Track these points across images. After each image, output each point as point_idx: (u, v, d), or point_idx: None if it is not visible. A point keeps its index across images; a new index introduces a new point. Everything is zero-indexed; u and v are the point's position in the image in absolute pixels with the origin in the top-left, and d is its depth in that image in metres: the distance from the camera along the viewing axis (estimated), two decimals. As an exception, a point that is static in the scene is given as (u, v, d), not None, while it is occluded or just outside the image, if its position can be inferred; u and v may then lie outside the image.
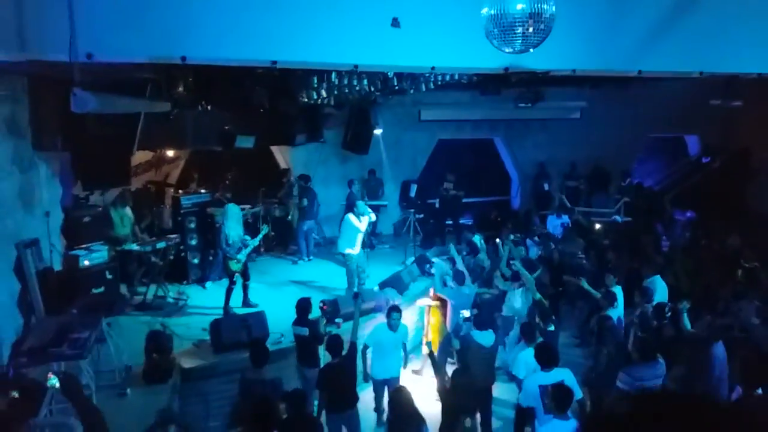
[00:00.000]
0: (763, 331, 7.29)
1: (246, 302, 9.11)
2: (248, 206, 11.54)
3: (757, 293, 8.41)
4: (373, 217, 10.27)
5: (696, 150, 17.54)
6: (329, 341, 6.55)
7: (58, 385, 4.51)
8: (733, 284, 9.14)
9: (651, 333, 7.22)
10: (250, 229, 10.27)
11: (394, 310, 7.30)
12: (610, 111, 14.81)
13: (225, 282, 9.17)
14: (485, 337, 6.98)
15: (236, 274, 8.91)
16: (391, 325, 7.20)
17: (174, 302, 9.38)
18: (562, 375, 5.72)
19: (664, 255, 10.55)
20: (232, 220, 8.92)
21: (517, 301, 8.37)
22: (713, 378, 6.49)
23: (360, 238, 9.94)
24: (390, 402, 5.84)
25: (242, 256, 8.89)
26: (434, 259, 10.82)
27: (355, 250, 9.86)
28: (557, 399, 5.12)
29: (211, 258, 10.46)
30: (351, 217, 9.83)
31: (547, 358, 5.85)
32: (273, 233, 12.39)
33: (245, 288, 9.16)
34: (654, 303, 7.74)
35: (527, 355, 6.37)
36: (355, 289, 9.64)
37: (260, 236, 9.55)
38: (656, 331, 7.26)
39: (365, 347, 7.21)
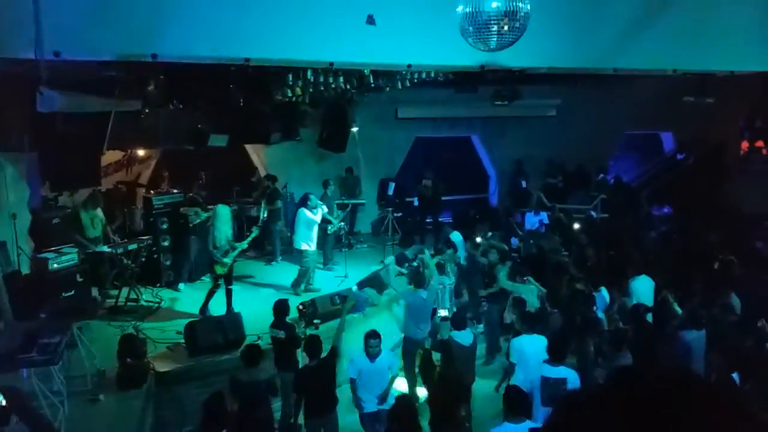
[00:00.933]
0: (737, 323, 7.41)
1: (230, 310, 8.77)
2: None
3: (732, 286, 8.54)
4: (326, 209, 10.39)
5: (671, 146, 17.75)
6: (307, 342, 6.44)
7: (2, 401, 4.35)
8: (709, 277, 9.26)
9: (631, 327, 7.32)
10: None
11: (370, 337, 6.37)
12: (585, 108, 14.91)
13: (198, 284, 9.02)
14: (464, 337, 7.01)
15: (221, 277, 8.71)
16: (369, 353, 6.33)
17: (147, 305, 9.19)
18: (568, 374, 5.76)
19: (642, 250, 10.62)
20: (221, 222, 8.69)
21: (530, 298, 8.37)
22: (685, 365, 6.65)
23: (316, 232, 10.01)
24: (392, 412, 5.33)
25: (229, 260, 8.70)
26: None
27: (311, 246, 9.92)
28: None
29: (183, 259, 10.26)
30: (305, 211, 9.97)
31: (558, 353, 5.88)
32: (247, 233, 12.23)
33: (229, 293, 8.86)
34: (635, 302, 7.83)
35: (521, 342, 6.51)
36: (301, 290, 9.71)
37: (249, 239, 9.34)
38: (637, 328, 7.35)
39: (351, 380, 6.49)
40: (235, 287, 9.41)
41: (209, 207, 10.24)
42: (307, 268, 9.92)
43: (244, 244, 9.08)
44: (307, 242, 9.94)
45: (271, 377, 6.23)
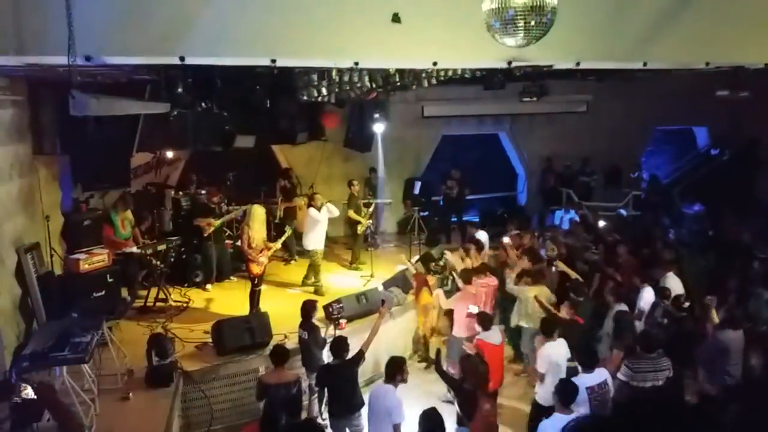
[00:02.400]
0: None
1: (258, 311, 8.70)
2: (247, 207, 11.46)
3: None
4: (336, 211, 10.33)
5: (705, 142, 17.35)
6: (333, 342, 6.48)
7: (32, 395, 4.43)
8: (747, 276, 9.04)
9: (668, 327, 7.19)
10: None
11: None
12: (616, 104, 14.65)
13: (225, 284, 9.04)
14: (493, 337, 6.99)
15: (257, 276, 8.72)
16: None
17: (175, 305, 9.30)
18: (604, 374, 5.86)
19: (672, 249, 10.40)
20: (257, 222, 8.71)
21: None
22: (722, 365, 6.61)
23: (322, 231, 10.09)
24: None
25: (265, 259, 8.72)
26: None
27: (319, 245, 10.03)
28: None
29: (211, 260, 10.34)
30: (312, 211, 9.95)
31: (589, 358, 5.94)
32: (275, 233, 12.33)
33: (258, 294, 8.83)
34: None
35: (546, 350, 6.45)
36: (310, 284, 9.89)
37: (284, 238, 9.41)
38: (677, 325, 7.23)
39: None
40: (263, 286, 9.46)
41: (234, 207, 10.33)
42: (316, 266, 10.00)
43: (278, 244, 9.14)
44: (314, 242, 9.98)
45: (298, 378, 6.24)
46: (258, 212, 8.80)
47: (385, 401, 5.56)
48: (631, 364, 6.13)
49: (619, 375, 6.14)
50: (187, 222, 10.39)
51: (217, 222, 10.11)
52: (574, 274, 8.63)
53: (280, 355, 6.27)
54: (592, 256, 10.21)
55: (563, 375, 6.14)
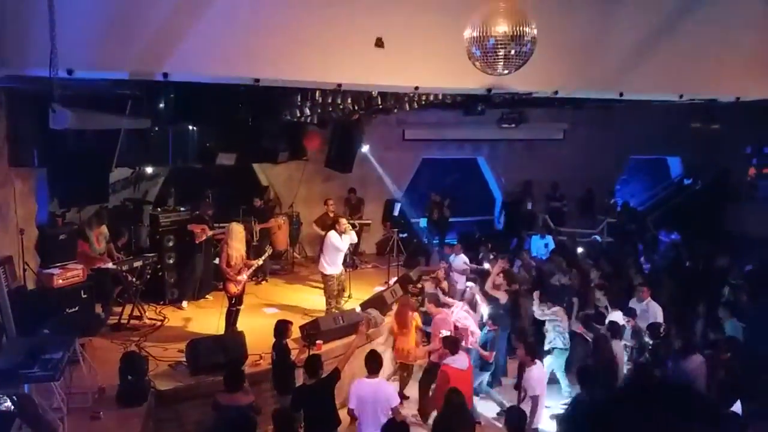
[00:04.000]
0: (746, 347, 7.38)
1: (234, 330, 8.56)
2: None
3: (739, 311, 8.50)
4: (355, 238, 10.09)
5: (678, 171, 17.76)
6: (306, 361, 6.41)
7: (12, 407, 4.35)
8: (717, 303, 9.22)
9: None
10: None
11: None
12: (592, 132, 14.95)
13: (202, 303, 8.94)
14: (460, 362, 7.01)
15: (235, 296, 8.60)
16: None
17: (150, 323, 9.18)
18: None
19: (644, 276, 10.58)
20: (235, 240, 8.64)
21: None
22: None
23: (341, 257, 9.80)
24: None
25: (243, 278, 8.64)
26: None
27: (336, 270, 9.69)
28: None
29: (188, 277, 10.25)
30: (333, 235, 9.63)
31: (591, 380, 6.07)
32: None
33: (237, 313, 8.69)
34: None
35: (538, 371, 6.51)
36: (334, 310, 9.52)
37: (264, 257, 9.32)
38: (652, 350, 7.33)
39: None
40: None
41: (216, 225, 10.26)
42: (331, 290, 9.63)
43: (260, 261, 9.06)
44: (332, 267, 9.61)
45: (251, 403, 6.10)
46: (237, 230, 8.77)
47: (385, 391, 6.02)
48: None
49: None
50: (180, 230, 10.22)
51: (211, 232, 10.04)
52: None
53: (231, 380, 6.13)
54: (566, 281, 10.35)
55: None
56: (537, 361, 6.66)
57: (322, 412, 6.11)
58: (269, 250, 9.77)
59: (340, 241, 9.54)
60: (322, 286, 11.14)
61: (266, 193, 12.62)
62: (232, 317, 8.61)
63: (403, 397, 7.78)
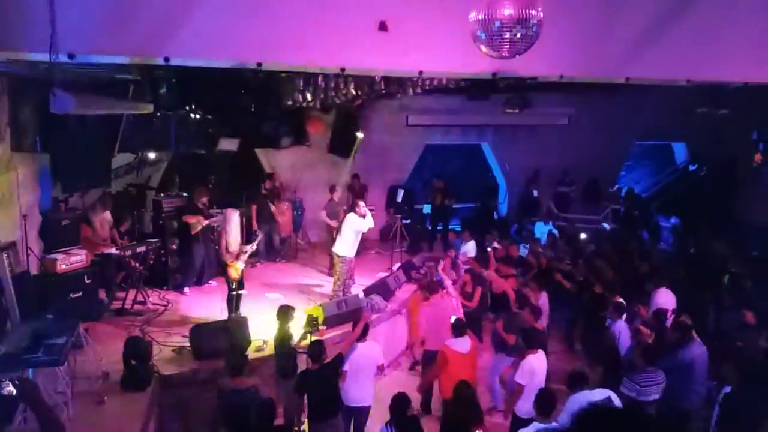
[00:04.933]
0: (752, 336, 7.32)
1: (238, 314, 8.63)
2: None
3: (741, 299, 8.45)
4: (372, 222, 9.90)
5: (683, 157, 17.64)
6: (310, 347, 6.42)
7: (14, 391, 4.36)
8: (719, 290, 9.17)
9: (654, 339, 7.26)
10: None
11: None
12: (597, 118, 14.84)
13: (206, 288, 8.97)
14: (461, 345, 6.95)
15: (236, 281, 8.63)
16: None
17: (154, 308, 9.20)
18: (608, 391, 5.86)
19: (649, 262, 10.54)
20: (232, 226, 8.67)
21: None
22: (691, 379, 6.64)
23: (358, 239, 9.70)
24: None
25: (241, 264, 8.67)
26: None
27: (350, 252, 9.61)
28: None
29: (191, 263, 10.24)
30: (353, 216, 9.52)
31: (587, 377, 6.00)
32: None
33: (239, 298, 8.76)
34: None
35: (530, 361, 6.43)
36: (340, 296, 9.48)
37: (256, 242, 9.31)
38: (658, 337, 7.28)
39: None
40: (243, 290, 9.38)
41: (218, 211, 10.24)
42: (342, 274, 9.58)
43: (254, 246, 9.08)
44: (347, 249, 9.54)
45: (252, 387, 6.00)
46: (233, 216, 8.79)
47: (373, 353, 6.64)
48: (638, 379, 6.14)
49: (625, 391, 6.10)
50: (171, 221, 10.22)
51: (206, 221, 10.04)
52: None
53: (236, 364, 6.10)
54: (566, 267, 10.33)
55: (542, 386, 6.16)
56: (539, 351, 6.60)
57: (326, 397, 6.14)
58: (260, 235, 9.71)
59: (360, 223, 9.47)
60: (325, 271, 11.22)
61: (274, 177, 12.56)
62: (233, 302, 8.63)
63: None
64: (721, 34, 7.54)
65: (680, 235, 12.72)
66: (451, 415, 5.83)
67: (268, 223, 11.70)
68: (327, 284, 10.41)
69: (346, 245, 9.54)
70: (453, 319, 7.56)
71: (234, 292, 8.65)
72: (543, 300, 8.44)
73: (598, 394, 5.79)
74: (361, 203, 9.77)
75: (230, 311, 8.58)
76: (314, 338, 6.93)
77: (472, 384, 6.30)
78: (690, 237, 12.47)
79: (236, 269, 8.56)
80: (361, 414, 6.64)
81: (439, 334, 7.44)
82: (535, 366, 6.38)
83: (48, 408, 3.46)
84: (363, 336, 6.64)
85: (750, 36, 7.74)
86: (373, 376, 6.70)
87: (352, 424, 6.62)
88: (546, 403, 5.34)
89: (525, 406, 6.19)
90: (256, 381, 6.23)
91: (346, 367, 6.43)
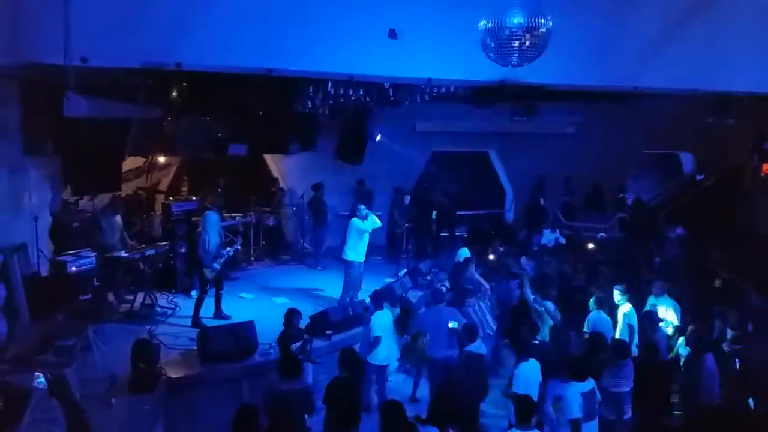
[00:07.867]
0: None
1: (219, 314, 8.85)
2: (239, 215, 11.47)
3: (732, 304, 8.45)
4: (378, 222, 9.92)
5: (690, 167, 17.60)
6: (341, 354, 6.32)
7: (45, 384, 4.41)
8: (711, 295, 9.17)
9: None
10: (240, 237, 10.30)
11: None
12: (605, 126, 14.82)
13: (212, 291, 8.99)
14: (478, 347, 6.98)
15: (209, 282, 8.73)
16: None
17: (162, 311, 9.24)
18: (592, 383, 6.04)
19: (655, 272, 10.51)
20: (211, 228, 8.72)
21: None
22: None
23: (365, 242, 9.68)
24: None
25: (218, 265, 8.73)
26: None
27: (359, 256, 9.63)
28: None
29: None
30: (355, 221, 9.55)
31: (584, 370, 6.06)
32: (264, 242, 12.35)
33: (219, 298, 8.91)
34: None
35: (525, 370, 6.43)
36: (348, 301, 9.50)
37: (233, 248, 9.34)
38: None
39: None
40: (250, 295, 9.44)
41: (226, 215, 10.30)
42: (353, 278, 9.61)
43: (231, 251, 9.11)
44: (355, 253, 9.59)
45: (305, 387, 6.06)
46: (211, 218, 8.84)
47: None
48: (617, 371, 6.34)
49: (605, 383, 6.30)
50: (180, 225, 10.29)
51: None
52: None
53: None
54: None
55: (535, 394, 6.15)
56: (530, 359, 6.62)
57: (353, 408, 6.01)
58: (237, 243, 9.78)
59: (363, 225, 9.49)
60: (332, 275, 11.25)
61: (275, 183, 12.64)
62: (201, 305, 8.70)
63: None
64: (728, 45, 7.57)
65: (683, 244, 12.65)
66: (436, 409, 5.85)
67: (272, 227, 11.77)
68: (334, 289, 10.46)
69: (351, 250, 9.59)
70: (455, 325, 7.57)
71: (203, 296, 8.73)
72: None
73: (583, 386, 5.92)
74: (361, 206, 9.82)
75: (196, 315, 8.65)
76: (346, 348, 6.85)
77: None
78: (695, 247, 12.41)
79: (212, 270, 8.65)
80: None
81: None
82: (528, 374, 6.44)
83: (77, 405, 3.50)
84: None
85: (755, 47, 7.78)
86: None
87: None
88: (525, 409, 5.29)
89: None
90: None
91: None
